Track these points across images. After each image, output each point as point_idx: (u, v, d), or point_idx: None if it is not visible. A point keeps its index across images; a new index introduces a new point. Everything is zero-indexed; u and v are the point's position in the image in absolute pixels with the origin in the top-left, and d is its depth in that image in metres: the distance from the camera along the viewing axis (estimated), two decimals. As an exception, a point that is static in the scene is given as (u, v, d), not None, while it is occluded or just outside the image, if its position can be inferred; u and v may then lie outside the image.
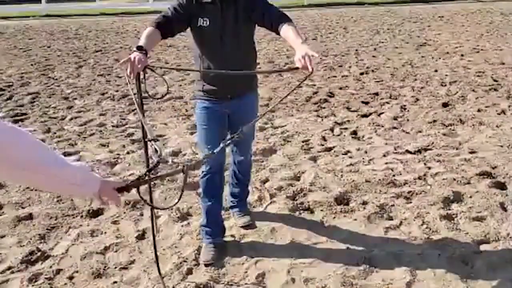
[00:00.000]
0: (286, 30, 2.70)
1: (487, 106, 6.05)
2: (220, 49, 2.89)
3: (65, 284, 2.93)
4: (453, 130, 5.32)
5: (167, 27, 2.81)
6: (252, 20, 2.88)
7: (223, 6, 2.83)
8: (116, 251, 3.25)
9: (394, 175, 4.20)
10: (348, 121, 5.75)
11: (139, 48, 2.53)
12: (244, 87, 3.06)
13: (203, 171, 3.14)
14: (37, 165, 1.50)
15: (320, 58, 9.46)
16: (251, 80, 3.13)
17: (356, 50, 10.21)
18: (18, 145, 1.47)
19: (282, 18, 2.77)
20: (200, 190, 3.96)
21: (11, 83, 8.11)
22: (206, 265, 3.05)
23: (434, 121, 5.60)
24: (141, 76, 2.52)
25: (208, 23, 2.84)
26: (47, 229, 3.54)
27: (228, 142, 2.42)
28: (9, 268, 3.07)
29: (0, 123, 1.47)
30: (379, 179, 4.10)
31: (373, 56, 9.49)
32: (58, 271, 3.04)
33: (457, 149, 4.77)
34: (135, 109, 6.52)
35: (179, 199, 2.10)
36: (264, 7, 2.85)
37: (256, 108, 3.29)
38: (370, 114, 5.98)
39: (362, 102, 6.50)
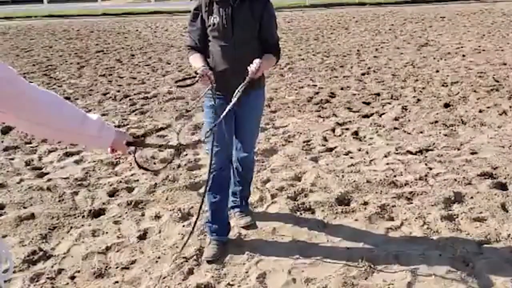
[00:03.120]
0: (264, 55, 3.03)
1: (489, 107, 6.04)
2: (230, 45, 2.96)
3: (67, 283, 2.94)
4: (454, 130, 5.32)
5: (200, 46, 3.08)
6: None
7: (234, 3, 2.92)
8: (117, 251, 3.26)
9: (395, 176, 4.20)
10: (350, 121, 5.76)
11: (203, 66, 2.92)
12: (251, 84, 3.07)
13: (210, 168, 3.14)
14: (65, 125, 1.63)
15: (322, 59, 9.47)
16: (258, 77, 3.14)
17: (358, 50, 10.21)
18: (57, 108, 1.60)
19: (273, 50, 3.09)
20: (202, 189, 3.99)
21: (13, 83, 8.12)
22: (208, 262, 3.07)
23: (436, 121, 5.61)
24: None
25: (218, 19, 2.94)
26: (49, 229, 3.55)
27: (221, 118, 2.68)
28: (11, 267, 3.07)
29: (40, 89, 1.58)
30: (380, 180, 4.10)
31: (375, 57, 9.49)
32: (60, 271, 3.05)
33: (458, 149, 4.77)
34: (136, 109, 6.54)
35: (166, 165, 2.75)
36: (270, 32, 3.08)
37: (262, 105, 3.34)
38: (372, 114, 5.98)
39: (364, 102, 6.50)
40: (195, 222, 2.95)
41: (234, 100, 2.78)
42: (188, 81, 2.99)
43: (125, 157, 4.77)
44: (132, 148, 2.00)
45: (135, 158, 2.17)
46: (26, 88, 1.49)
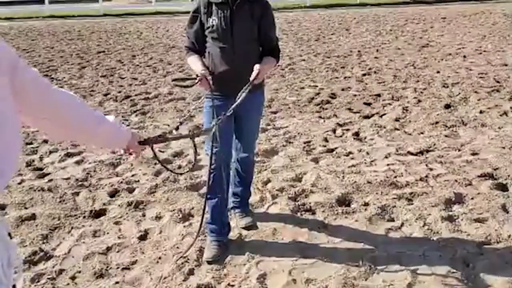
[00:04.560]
0: (265, 58, 3.07)
1: (489, 108, 6.04)
2: (229, 47, 2.97)
3: (68, 284, 2.94)
4: (455, 131, 5.32)
5: (198, 47, 3.11)
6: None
7: (234, 5, 2.93)
8: (118, 252, 3.26)
9: (395, 177, 4.20)
10: (350, 122, 5.76)
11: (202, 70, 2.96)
12: (252, 85, 3.08)
13: (210, 168, 3.14)
14: (84, 126, 1.64)
15: (322, 59, 9.48)
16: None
17: (359, 51, 10.22)
18: (77, 109, 1.61)
19: (272, 52, 3.11)
20: (203, 190, 3.99)
21: (14, 84, 8.13)
22: (208, 263, 3.07)
23: (436, 122, 5.60)
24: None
25: (216, 21, 2.95)
26: (49, 229, 3.56)
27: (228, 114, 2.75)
28: (12, 268, 3.08)
29: (61, 90, 1.59)
30: (381, 181, 4.10)
31: (376, 58, 9.49)
32: (61, 271, 3.05)
33: (459, 150, 4.77)
34: (137, 110, 6.55)
35: (193, 165, 2.70)
36: (269, 33, 3.10)
37: (262, 106, 3.35)
38: (372, 115, 5.98)
39: (364, 103, 6.50)
40: (200, 226, 2.95)
41: (235, 104, 2.78)
42: (188, 82, 3.00)
43: (126, 158, 4.77)
44: (144, 147, 2.01)
45: (158, 159, 2.18)
46: (49, 89, 1.51)
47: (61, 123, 1.56)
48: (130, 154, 1.96)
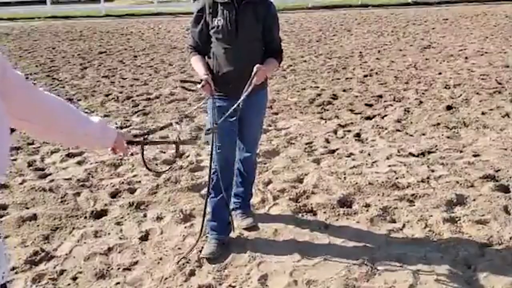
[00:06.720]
0: (267, 60, 3.07)
1: (491, 109, 6.03)
2: (234, 47, 2.98)
3: (69, 284, 2.94)
4: (456, 133, 5.31)
5: (202, 47, 3.10)
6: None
7: (239, 5, 2.94)
8: (119, 252, 3.26)
9: (397, 178, 4.19)
10: (352, 123, 5.76)
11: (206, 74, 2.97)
12: (255, 85, 3.08)
13: (212, 168, 3.15)
14: (71, 128, 1.66)
15: (324, 60, 9.48)
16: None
17: (360, 52, 10.22)
18: (65, 112, 1.63)
19: (275, 52, 3.12)
20: (204, 191, 3.99)
21: (16, 84, 8.13)
22: (207, 259, 3.07)
23: (438, 124, 5.60)
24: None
25: (222, 21, 2.96)
26: (51, 229, 3.56)
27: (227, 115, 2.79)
28: (13, 268, 3.07)
29: (47, 93, 1.60)
30: (382, 182, 4.10)
31: (377, 59, 9.49)
32: (62, 272, 3.05)
33: (460, 152, 4.76)
34: (139, 110, 6.55)
35: (171, 167, 2.38)
36: (273, 34, 3.10)
37: (265, 106, 3.35)
38: (374, 116, 5.98)
39: (366, 104, 6.50)
40: (202, 227, 2.95)
41: (234, 106, 2.79)
42: (191, 85, 3.02)
43: (127, 158, 4.77)
44: (134, 147, 2.03)
45: (143, 157, 2.17)
46: (35, 91, 1.52)
47: (47, 125, 1.58)
48: (117, 153, 1.99)
